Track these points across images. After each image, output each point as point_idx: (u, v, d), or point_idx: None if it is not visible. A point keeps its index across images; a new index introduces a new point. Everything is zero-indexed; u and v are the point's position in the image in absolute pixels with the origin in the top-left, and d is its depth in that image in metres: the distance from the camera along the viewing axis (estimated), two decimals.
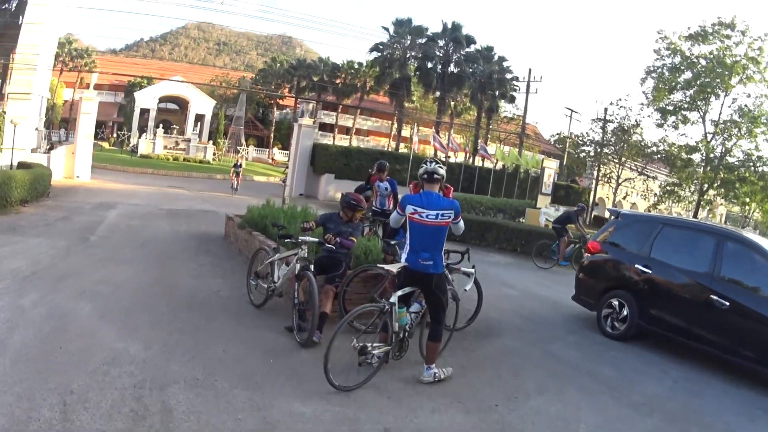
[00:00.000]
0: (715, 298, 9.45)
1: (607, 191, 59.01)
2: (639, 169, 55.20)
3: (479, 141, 55.92)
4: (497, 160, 48.73)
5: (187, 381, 6.36)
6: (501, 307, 12.05)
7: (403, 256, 7.27)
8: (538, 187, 37.54)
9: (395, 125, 79.74)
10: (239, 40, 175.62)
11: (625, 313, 10.76)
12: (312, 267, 8.63)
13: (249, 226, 13.72)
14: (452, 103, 71.06)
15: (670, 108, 47.34)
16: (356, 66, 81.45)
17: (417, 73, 68.85)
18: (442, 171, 7.30)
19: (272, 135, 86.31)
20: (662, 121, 48.07)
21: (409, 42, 68.13)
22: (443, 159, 44.95)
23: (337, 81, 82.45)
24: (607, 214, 58.28)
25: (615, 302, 11.00)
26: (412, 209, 7.12)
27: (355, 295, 9.25)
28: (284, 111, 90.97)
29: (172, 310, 9.00)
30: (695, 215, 51.03)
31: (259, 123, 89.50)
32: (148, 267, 11.85)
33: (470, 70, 66.17)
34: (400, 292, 7.13)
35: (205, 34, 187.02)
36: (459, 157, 53.57)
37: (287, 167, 43.95)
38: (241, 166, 36.23)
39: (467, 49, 67.61)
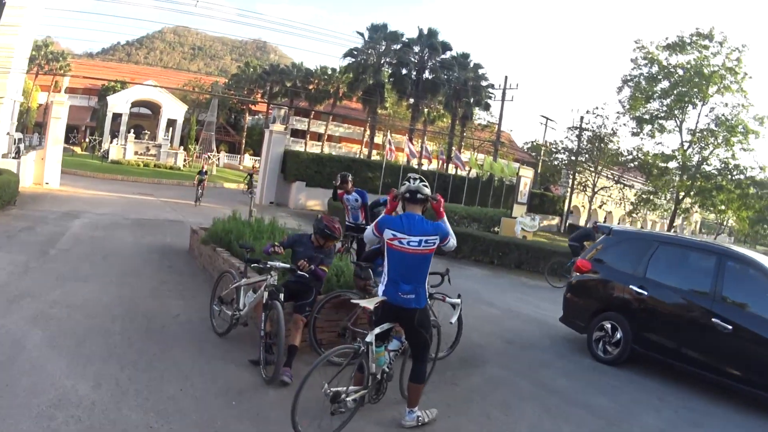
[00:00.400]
0: (716, 321, 9.06)
1: (582, 199, 58.89)
2: (615, 178, 55.10)
3: (453, 149, 55.35)
4: (470, 168, 48.35)
5: (139, 430, 5.75)
6: (483, 329, 11.49)
7: (381, 288, 6.45)
8: (514, 195, 37.08)
9: (368, 132, 79.21)
10: (214, 44, 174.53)
11: (618, 336, 10.30)
12: (281, 296, 7.86)
13: (213, 242, 13.06)
14: (426, 110, 70.57)
15: (647, 117, 47.52)
16: (329, 72, 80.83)
17: (391, 79, 68.13)
18: (427, 190, 6.45)
19: (244, 141, 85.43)
20: (638, 130, 48.19)
21: (384, 48, 67.49)
22: (415, 166, 44.82)
23: (310, 87, 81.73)
24: (581, 223, 58.58)
25: (607, 325, 10.52)
26: (392, 234, 6.29)
27: (326, 322, 8.66)
28: (256, 117, 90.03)
29: (127, 338, 8.32)
30: (671, 223, 51.40)
31: (231, 129, 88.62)
32: (107, 285, 11.17)
33: (445, 77, 65.73)
34: (377, 330, 6.29)
35: (180, 38, 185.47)
36: (432, 165, 53.12)
37: (250, 174, 43.65)
38: (206, 173, 34.17)
39: (443, 56, 67.08)
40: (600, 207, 58.62)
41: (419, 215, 6.43)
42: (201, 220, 21.39)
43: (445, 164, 53.54)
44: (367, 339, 6.20)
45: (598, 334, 10.63)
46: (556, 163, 60.77)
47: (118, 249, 15.24)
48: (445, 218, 6.64)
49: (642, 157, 48.86)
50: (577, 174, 55.27)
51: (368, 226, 6.75)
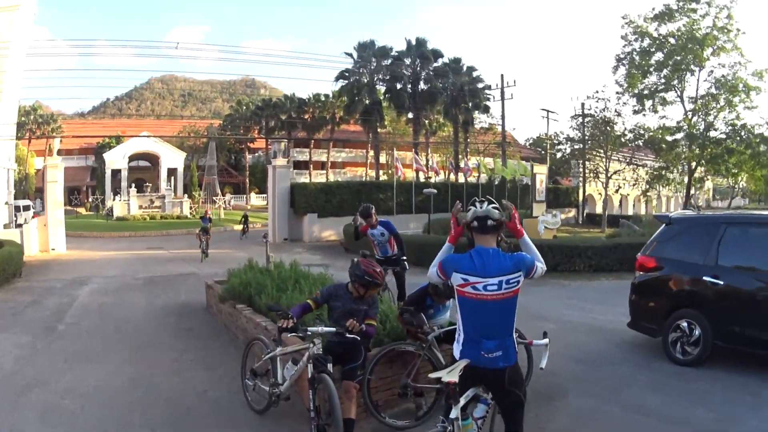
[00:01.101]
0: None
1: (597, 187, 57.69)
2: (627, 159, 54.20)
3: (459, 157, 54.35)
4: (479, 174, 46.97)
5: None
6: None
7: (457, 348, 4.91)
8: (531, 194, 36.03)
9: (371, 153, 78.17)
10: (203, 88, 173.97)
11: (696, 334, 9.09)
12: (330, 366, 6.26)
13: (231, 298, 11.74)
14: (426, 122, 68.96)
15: (646, 92, 46.91)
16: (323, 98, 79.41)
17: (387, 95, 66.44)
18: (498, 214, 4.83)
19: (248, 180, 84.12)
20: (640, 107, 47.56)
21: (375, 65, 65.97)
22: (424, 179, 43.66)
23: (306, 116, 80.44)
24: (598, 211, 57.41)
25: (683, 324, 9.31)
26: (462, 279, 4.72)
27: (380, 381, 7.20)
28: (256, 154, 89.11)
29: (151, 430, 6.99)
30: (687, 194, 50.94)
31: (232, 170, 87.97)
32: (121, 365, 9.78)
33: (441, 85, 64.18)
34: (462, 401, 4.78)
35: (168, 86, 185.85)
36: (440, 177, 52.10)
37: (245, 216, 42.21)
38: (210, 219, 31.46)
39: (435, 64, 65.62)
40: (617, 191, 57.32)
41: (494, 248, 4.83)
42: (215, 269, 20.45)
43: (454, 174, 51.95)
44: (452, 415, 4.73)
45: (674, 336, 9.48)
46: (560, 155, 60.11)
47: (130, 316, 14.00)
48: (526, 236, 5.14)
49: (648, 134, 48.14)
50: (587, 162, 54.40)
51: (431, 267, 5.04)
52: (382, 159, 75.26)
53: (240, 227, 40.68)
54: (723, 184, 79.62)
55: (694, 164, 45.86)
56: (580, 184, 57.74)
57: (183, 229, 43.75)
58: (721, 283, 9.00)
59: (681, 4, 44.17)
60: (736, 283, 8.92)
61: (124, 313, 14.38)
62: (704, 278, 9.24)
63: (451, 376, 4.61)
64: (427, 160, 49.20)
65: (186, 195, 64.99)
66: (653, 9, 46.07)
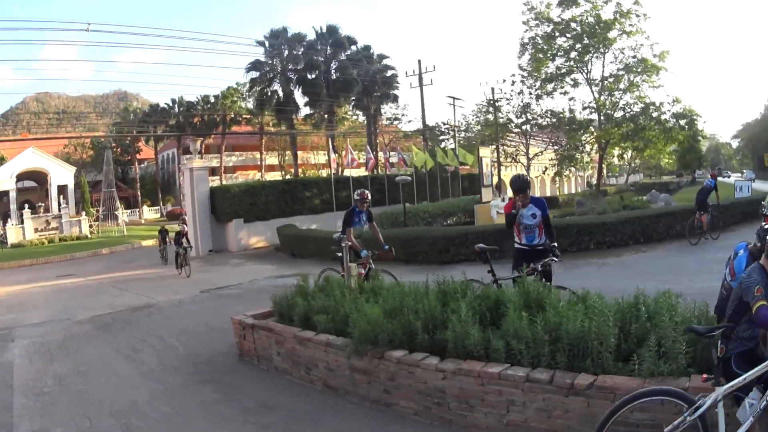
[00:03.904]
0: None
1: (515, 171, 55.45)
2: (549, 141, 54.28)
3: (388, 148, 50.98)
4: (406, 165, 43.39)
5: None
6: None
7: None
8: (480, 179, 32.60)
9: (266, 155, 75.77)
10: (77, 104, 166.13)
11: None
12: None
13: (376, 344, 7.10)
14: (342, 111, 65.72)
15: (552, 75, 47.56)
16: (212, 99, 73.70)
17: (300, 86, 61.22)
18: None
19: (139, 192, 75.93)
20: (548, 90, 47.93)
21: (287, 53, 60.60)
22: (347, 174, 40.32)
23: (194, 119, 74.21)
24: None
25: None
26: None
27: None
28: (143, 165, 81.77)
29: None
30: (599, 172, 54.08)
31: (121, 183, 78.57)
32: None
33: (355, 72, 59.72)
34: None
35: (44, 105, 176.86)
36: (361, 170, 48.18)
37: (182, 217, 36.04)
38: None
39: (347, 53, 61.48)
40: (544, 173, 56.37)
41: None
42: (169, 296, 17.22)
43: (373, 166, 47.78)
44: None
45: None
46: (450, 144, 59.24)
47: (118, 397, 8.14)
48: None
49: (557, 118, 48.67)
50: (503, 147, 53.71)
51: None
52: (275, 160, 74.86)
53: (158, 242, 34.56)
54: (614, 163, 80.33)
55: (604, 143, 46.81)
56: (494, 170, 54.71)
57: (88, 251, 36.60)
58: None
59: None
60: None
61: (110, 392, 8.39)
62: None
63: None
64: (331, 151, 45.24)
65: (84, 212, 57.67)
66: None
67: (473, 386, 5.98)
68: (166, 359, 10.14)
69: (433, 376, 6.34)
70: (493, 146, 53.03)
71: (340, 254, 10.58)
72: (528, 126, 50.63)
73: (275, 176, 67.08)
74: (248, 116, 74.94)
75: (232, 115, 72.68)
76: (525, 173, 8.49)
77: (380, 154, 47.05)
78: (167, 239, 31.90)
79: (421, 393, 6.48)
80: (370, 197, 12.20)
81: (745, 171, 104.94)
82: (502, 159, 53.77)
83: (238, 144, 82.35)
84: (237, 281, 19.94)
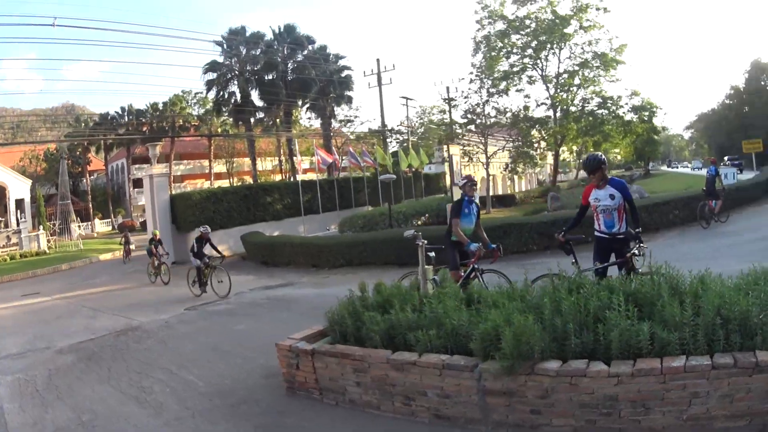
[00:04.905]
0: None
1: (478, 170, 55.09)
2: (509, 139, 52.27)
3: (350, 148, 49.79)
4: (364, 168, 42.10)
5: None
6: None
7: None
8: (451, 178, 32.02)
9: (215, 162, 74.98)
10: (29, 119, 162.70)
11: None
12: None
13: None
14: (295, 114, 64.63)
15: (505, 74, 47.51)
16: (161, 107, 72.20)
17: (258, 87, 59.37)
18: None
19: (90, 205, 72.70)
20: (502, 88, 47.64)
21: (245, 53, 58.86)
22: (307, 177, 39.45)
23: (144, 128, 71.80)
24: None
25: None
26: None
27: None
28: (93, 176, 78.64)
29: None
30: (555, 168, 54.91)
31: (73, 196, 76.70)
32: None
33: (312, 73, 58.11)
34: None
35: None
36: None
37: (125, 236, 34.57)
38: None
39: (304, 53, 59.96)
40: (506, 170, 55.26)
41: None
42: (151, 316, 15.15)
43: (320, 168, 46.70)
44: None
45: None
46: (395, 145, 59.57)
47: None
48: None
49: (513, 115, 48.42)
50: (464, 146, 52.07)
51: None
52: (223, 168, 74.94)
53: (121, 251, 32.61)
54: (566, 159, 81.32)
55: (560, 139, 47.37)
56: (445, 170, 53.85)
57: (48, 267, 34.09)
58: None
59: None
60: None
61: None
62: None
63: None
64: (288, 152, 44.32)
65: (41, 227, 55.09)
66: None
67: (653, 385, 5.33)
68: (188, 400, 8.05)
69: (603, 384, 5.49)
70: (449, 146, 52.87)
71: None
72: (474, 126, 49.65)
73: (225, 184, 64.63)
74: (196, 123, 73.97)
75: (181, 122, 71.32)
76: (599, 152, 7.87)
77: (337, 156, 45.66)
78: (130, 246, 30.22)
79: (585, 406, 5.56)
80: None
81: (693, 161, 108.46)
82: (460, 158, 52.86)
83: (186, 152, 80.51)
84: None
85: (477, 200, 10.76)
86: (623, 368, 5.39)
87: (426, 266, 8.48)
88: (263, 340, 10.24)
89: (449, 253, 9.76)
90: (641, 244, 7.86)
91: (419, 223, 30.01)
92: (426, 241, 8.75)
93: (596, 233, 8.43)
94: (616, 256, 8.18)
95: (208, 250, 19.49)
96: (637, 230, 8.00)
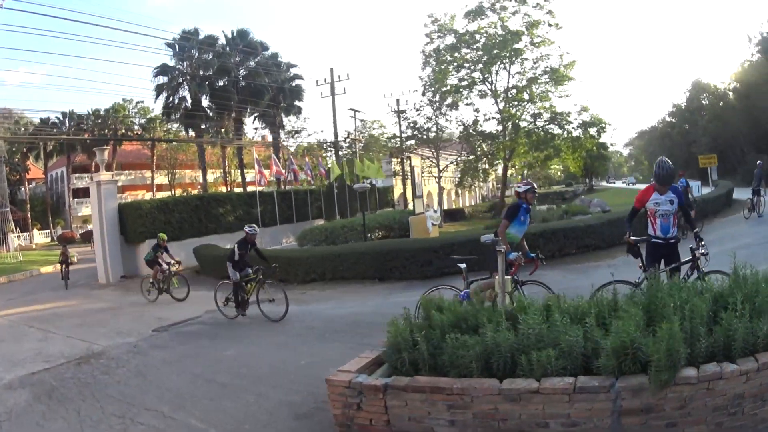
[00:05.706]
0: None
1: (425, 184, 55.46)
2: (464, 153, 53.37)
3: (306, 159, 49.07)
4: (309, 180, 42.03)
5: None
6: None
7: None
8: (413, 190, 31.39)
9: (157, 173, 73.37)
10: None
11: None
12: None
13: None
14: (248, 122, 63.31)
15: (453, 88, 47.04)
16: (102, 113, 70.26)
17: (210, 93, 57.58)
18: None
19: (29, 215, 68.43)
20: (450, 102, 47.90)
21: (197, 57, 57.03)
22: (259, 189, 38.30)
23: (85, 135, 68.95)
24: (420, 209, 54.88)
25: None
26: None
27: None
28: (31, 185, 75.12)
29: None
30: (504, 181, 53.09)
31: (11, 205, 73.90)
32: None
33: (264, 81, 56.86)
34: None
35: None
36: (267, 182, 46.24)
37: (64, 253, 32.19)
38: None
39: (256, 59, 58.57)
40: (462, 184, 54.62)
41: None
42: (131, 336, 13.41)
43: (284, 180, 45.66)
44: None
45: None
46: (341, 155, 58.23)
47: None
48: None
49: (462, 129, 48.97)
50: (410, 159, 50.67)
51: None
52: (164, 179, 73.50)
53: (60, 267, 30.30)
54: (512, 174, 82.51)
55: (509, 153, 47.08)
56: (394, 184, 54.51)
57: None
58: None
59: (493, 2, 44.89)
60: None
61: None
62: None
63: None
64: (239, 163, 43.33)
65: None
66: (466, 5, 46.94)
67: None
68: None
69: (735, 384, 5.37)
70: (398, 159, 52.88)
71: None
72: (425, 138, 50.28)
73: (165, 195, 63.06)
74: (139, 132, 72.39)
75: (124, 130, 69.76)
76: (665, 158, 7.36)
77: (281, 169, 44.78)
78: (69, 263, 27.94)
79: (717, 409, 5.38)
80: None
81: (628, 177, 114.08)
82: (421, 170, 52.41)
83: (127, 162, 78.55)
84: (190, 314, 15.84)
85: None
86: (750, 365, 5.38)
87: (507, 276, 7.90)
88: (266, 369, 9.13)
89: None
90: (702, 243, 8.30)
91: (379, 236, 29.25)
92: (505, 247, 8.20)
93: (651, 239, 8.55)
94: (666, 261, 8.34)
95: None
96: (695, 230, 8.57)
